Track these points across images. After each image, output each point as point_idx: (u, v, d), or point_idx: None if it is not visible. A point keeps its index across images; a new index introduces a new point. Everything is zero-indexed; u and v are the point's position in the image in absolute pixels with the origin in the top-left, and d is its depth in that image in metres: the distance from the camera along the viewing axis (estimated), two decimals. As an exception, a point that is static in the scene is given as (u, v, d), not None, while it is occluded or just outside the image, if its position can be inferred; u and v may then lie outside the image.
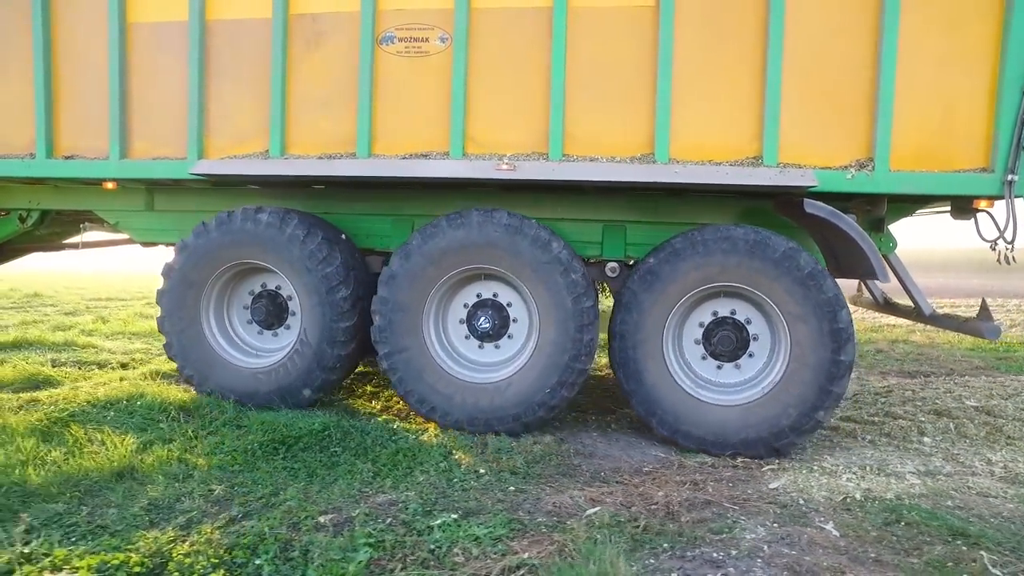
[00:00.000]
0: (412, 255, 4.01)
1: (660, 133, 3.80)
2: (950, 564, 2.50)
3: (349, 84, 4.07)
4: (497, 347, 4.23)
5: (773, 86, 3.67)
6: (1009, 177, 3.49)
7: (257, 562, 2.41)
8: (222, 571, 2.33)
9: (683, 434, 3.91)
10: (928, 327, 6.82)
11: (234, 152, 4.25)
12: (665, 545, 2.66)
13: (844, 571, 2.44)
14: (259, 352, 4.49)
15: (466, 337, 4.26)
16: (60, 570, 2.29)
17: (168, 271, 4.40)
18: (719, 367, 4.05)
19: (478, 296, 4.23)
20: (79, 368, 5.52)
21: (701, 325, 4.06)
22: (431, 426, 4.12)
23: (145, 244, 5.11)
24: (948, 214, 4.08)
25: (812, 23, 3.65)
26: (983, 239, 3.86)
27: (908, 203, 4.19)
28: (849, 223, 3.69)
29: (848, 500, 3.17)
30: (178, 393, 4.34)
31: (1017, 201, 3.61)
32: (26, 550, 2.41)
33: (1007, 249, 3.72)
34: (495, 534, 2.68)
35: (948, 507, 3.12)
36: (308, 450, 3.63)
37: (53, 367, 5.37)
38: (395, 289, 4.03)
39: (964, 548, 2.64)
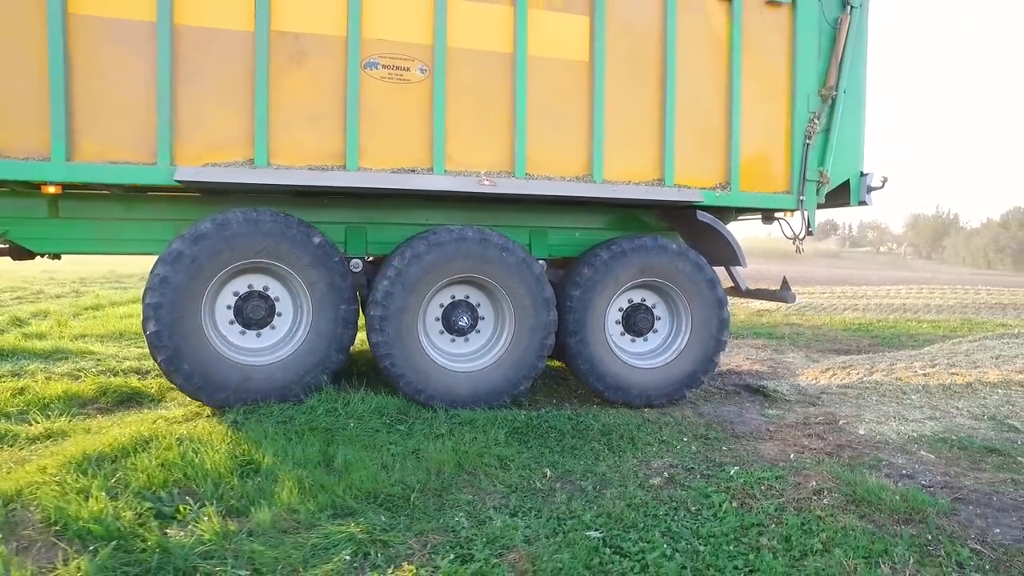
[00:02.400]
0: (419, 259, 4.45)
1: (596, 159, 4.79)
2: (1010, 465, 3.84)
3: (334, 102, 4.31)
4: (467, 340, 4.84)
5: (669, 127, 4.95)
6: (800, 197, 5.24)
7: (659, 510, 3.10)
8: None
9: (614, 390, 4.92)
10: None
11: (211, 160, 4.19)
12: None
13: (957, 476, 3.63)
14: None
15: (440, 332, 4.76)
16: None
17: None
18: (636, 340, 5.20)
19: (452, 297, 4.74)
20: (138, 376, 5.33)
21: (621, 310, 5.14)
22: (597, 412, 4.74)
23: (41, 255, 4.63)
24: (759, 219, 5.83)
25: (691, 84, 5.03)
26: (786, 236, 5.63)
27: (735, 211, 5.77)
28: (724, 227, 5.22)
29: (908, 437, 4.39)
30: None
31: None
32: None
33: (799, 244, 5.52)
34: (775, 475, 3.47)
35: (969, 436, 4.38)
36: (563, 437, 4.15)
37: (138, 378, 5.21)
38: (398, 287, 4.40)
39: (1002, 457, 3.97)
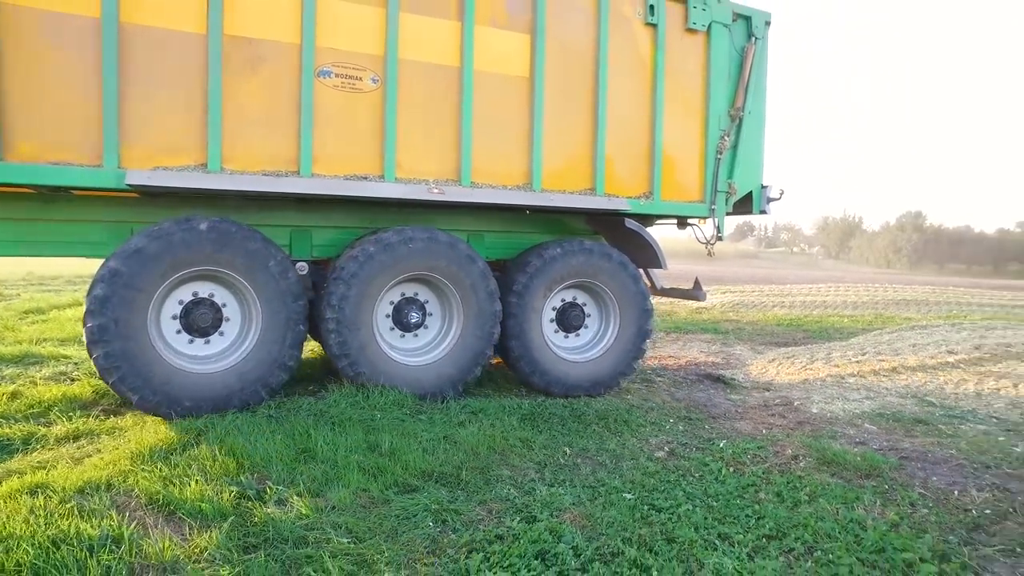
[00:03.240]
0: (372, 260, 4.62)
1: (535, 169, 5.12)
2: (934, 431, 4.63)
3: (288, 108, 4.35)
4: (414, 336, 5.10)
5: (600, 140, 5.32)
6: (712, 206, 5.90)
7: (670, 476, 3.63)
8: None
9: (555, 384, 5.32)
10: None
11: (160, 163, 4.09)
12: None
13: (897, 441, 4.35)
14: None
15: (389, 326, 4.99)
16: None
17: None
18: (569, 336, 5.68)
19: (402, 295, 5.01)
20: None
21: (555, 309, 5.58)
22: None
23: None
24: (675, 225, 6.45)
25: (620, 101, 5.40)
26: (699, 241, 6.30)
27: (654, 217, 6.16)
28: (648, 233, 5.81)
29: (853, 414, 5.08)
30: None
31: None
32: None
33: (710, 247, 6.21)
34: (757, 446, 4.11)
35: (900, 411, 5.21)
36: (565, 422, 4.58)
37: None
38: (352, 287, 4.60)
39: (927, 426, 4.77)
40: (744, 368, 7.27)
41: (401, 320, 5.00)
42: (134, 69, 3.99)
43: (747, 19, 5.82)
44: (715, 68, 5.74)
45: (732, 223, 6.92)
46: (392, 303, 4.98)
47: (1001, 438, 4.45)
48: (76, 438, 3.98)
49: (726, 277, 28.73)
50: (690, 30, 5.62)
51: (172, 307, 4.32)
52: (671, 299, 9.78)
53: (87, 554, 2.23)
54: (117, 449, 3.41)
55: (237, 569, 2.30)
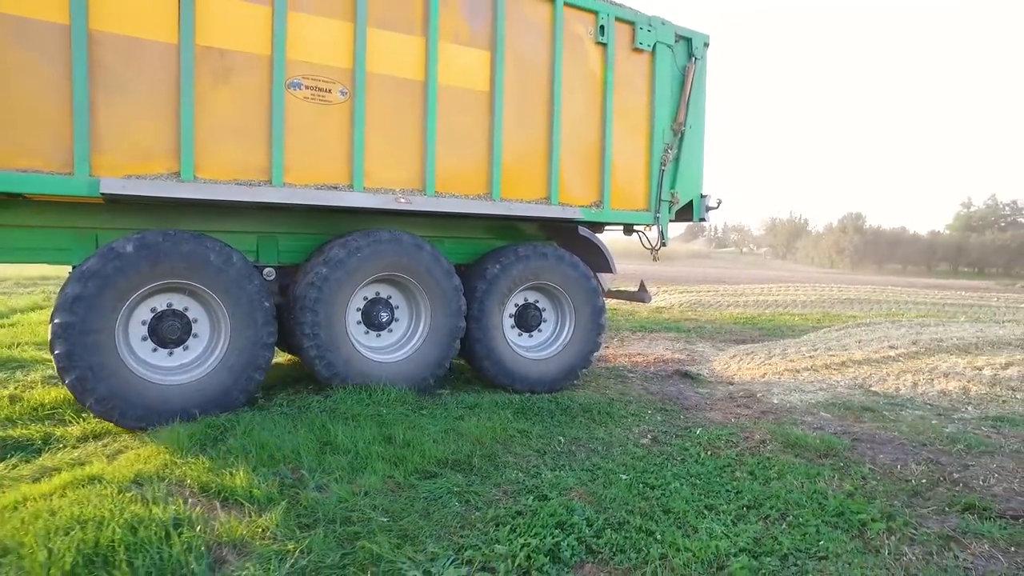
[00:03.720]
0: (343, 263, 4.86)
1: (494, 179, 5.41)
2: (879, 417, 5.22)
3: (259, 119, 4.44)
4: (379, 335, 5.39)
5: (555, 152, 5.67)
6: (656, 214, 6.37)
7: (656, 460, 4.04)
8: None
9: (519, 381, 5.74)
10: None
11: (133, 171, 4.11)
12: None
13: (849, 426, 4.88)
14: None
15: (358, 323, 5.24)
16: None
17: None
18: (529, 335, 6.08)
19: (376, 294, 5.29)
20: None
21: (516, 305, 5.97)
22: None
23: None
24: (622, 231, 6.80)
25: (573, 115, 5.76)
26: (645, 247, 6.81)
27: (603, 224, 6.62)
28: (599, 239, 6.45)
29: (809, 404, 5.65)
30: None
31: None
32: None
33: (655, 253, 6.74)
34: (729, 432, 4.61)
35: (849, 400, 5.77)
36: (554, 415, 5.00)
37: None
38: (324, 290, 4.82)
39: (873, 412, 5.36)
40: (708, 364, 7.85)
41: (371, 320, 5.26)
42: (105, 77, 3.99)
43: (688, 40, 6.31)
44: (659, 86, 6.18)
45: (676, 229, 7.89)
46: (361, 306, 5.20)
47: (934, 421, 5.10)
48: (98, 436, 4.17)
49: (680, 277, 29.88)
50: (636, 50, 6.03)
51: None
52: (629, 302, 10.38)
53: (165, 533, 2.51)
54: (147, 445, 3.64)
55: (301, 545, 2.61)
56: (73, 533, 2.39)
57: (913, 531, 3.05)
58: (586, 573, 2.60)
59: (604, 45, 5.86)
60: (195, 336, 4.56)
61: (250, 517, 2.80)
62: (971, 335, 8.52)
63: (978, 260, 65.47)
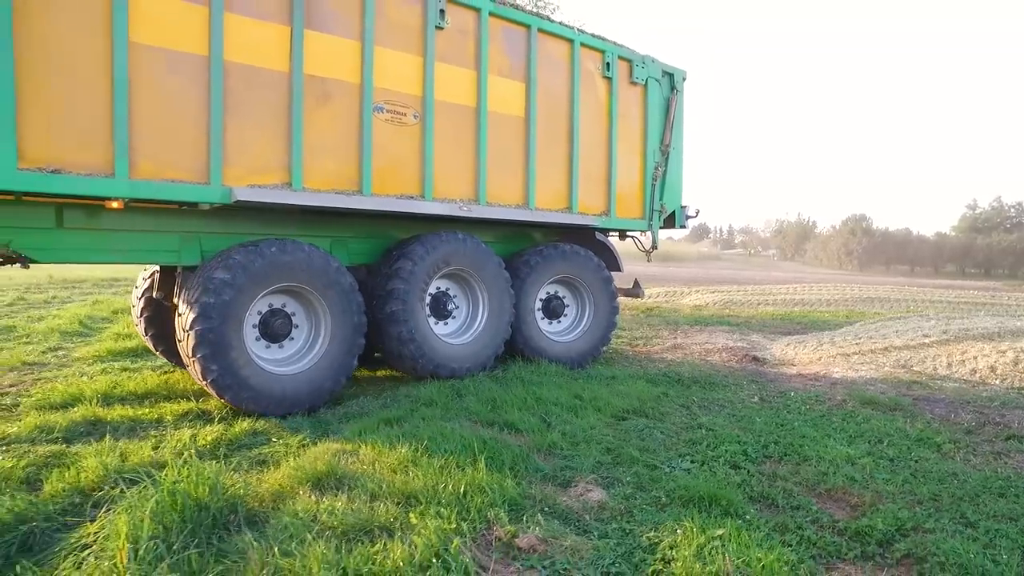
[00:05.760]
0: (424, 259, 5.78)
1: (530, 192, 6.53)
2: (926, 385, 6.19)
3: (351, 137, 5.20)
4: (446, 324, 6.41)
5: (575, 169, 6.89)
6: (649, 222, 7.78)
7: (769, 411, 5.18)
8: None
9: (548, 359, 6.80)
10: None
11: (255, 182, 4.71)
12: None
13: (905, 392, 6.41)
14: None
15: (428, 316, 6.04)
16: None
17: None
18: (550, 323, 7.38)
19: (438, 288, 6.34)
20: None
21: (540, 299, 7.19)
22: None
23: (45, 263, 4.51)
24: (617, 236, 8.15)
25: (587, 138, 6.98)
26: (639, 250, 8.25)
27: (608, 230, 7.79)
28: (610, 243, 7.85)
29: (867, 379, 7.34)
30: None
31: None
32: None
33: (648, 254, 8.19)
34: (816, 395, 5.98)
35: (898, 376, 7.46)
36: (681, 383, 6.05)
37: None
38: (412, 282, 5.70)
39: (920, 383, 6.92)
40: (768, 350, 9.26)
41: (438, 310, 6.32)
42: (232, 100, 4.59)
43: (671, 75, 7.75)
44: (651, 114, 7.51)
45: (682, 231, 10.01)
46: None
47: (971, 390, 6.53)
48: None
49: (699, 278, 31.25)
50: (633, 83, 7.37)
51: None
52: (666, 301, 11.71)
53: (497, 471, 3.96)
54: (424, 402, 5.13)
55: (577, 452, 4.07)
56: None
57: (973, 449, 4.48)
58: (770, 465, 4.04)
59: (609, 79, 7.09)
60: (296, 327, 5.25)
61: (533, 438, 4.26)
62: (993, 326, 9.94)
63: (984, 261, 66.79)
